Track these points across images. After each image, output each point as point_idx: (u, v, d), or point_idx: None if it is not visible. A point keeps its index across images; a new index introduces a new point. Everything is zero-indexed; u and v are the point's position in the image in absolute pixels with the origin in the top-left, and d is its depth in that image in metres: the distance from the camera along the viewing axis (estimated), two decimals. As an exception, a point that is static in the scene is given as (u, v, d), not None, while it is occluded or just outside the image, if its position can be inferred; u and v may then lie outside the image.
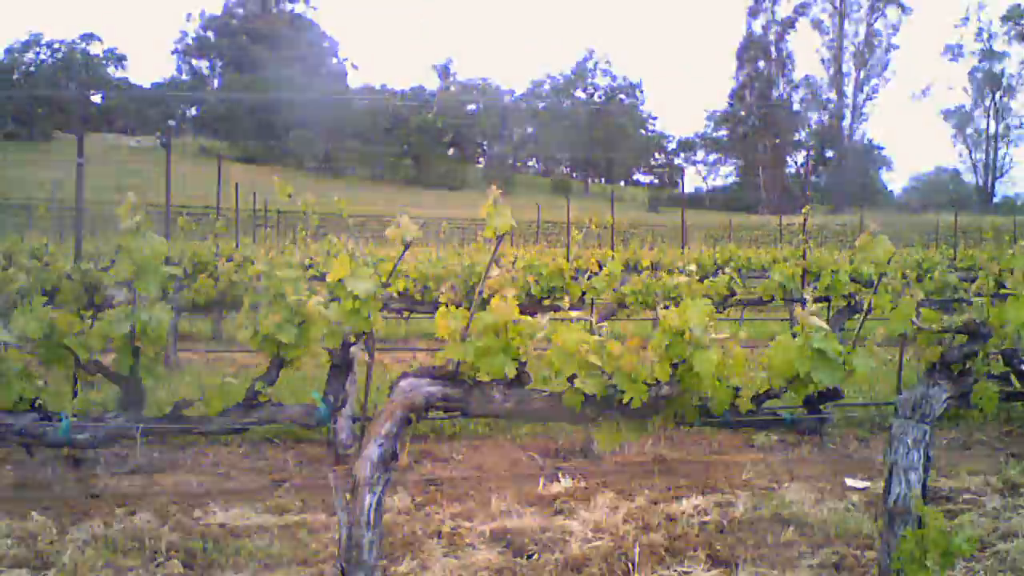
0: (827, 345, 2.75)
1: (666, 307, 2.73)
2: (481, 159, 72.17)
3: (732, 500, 4.52)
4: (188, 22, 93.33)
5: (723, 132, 77.05)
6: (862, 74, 72.18)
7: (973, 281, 7.69)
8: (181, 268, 7.26)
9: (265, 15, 75.27)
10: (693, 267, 5.36)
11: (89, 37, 67.95)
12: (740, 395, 2.81)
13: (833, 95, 73.43)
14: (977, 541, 2.68)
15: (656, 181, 74.56)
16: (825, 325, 2.81)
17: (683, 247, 12.68)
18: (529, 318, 2.81)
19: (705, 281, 7.37)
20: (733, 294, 7.73)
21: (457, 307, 2.84)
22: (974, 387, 3.07)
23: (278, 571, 3.58)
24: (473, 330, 2.79)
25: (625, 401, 2.70)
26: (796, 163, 73.87)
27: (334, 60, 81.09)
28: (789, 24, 73.03)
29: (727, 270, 8.17)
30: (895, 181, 77.37)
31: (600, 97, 77.10)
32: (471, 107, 71.47)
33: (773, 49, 73.31)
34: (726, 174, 78.33)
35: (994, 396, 3.01)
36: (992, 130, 69.61)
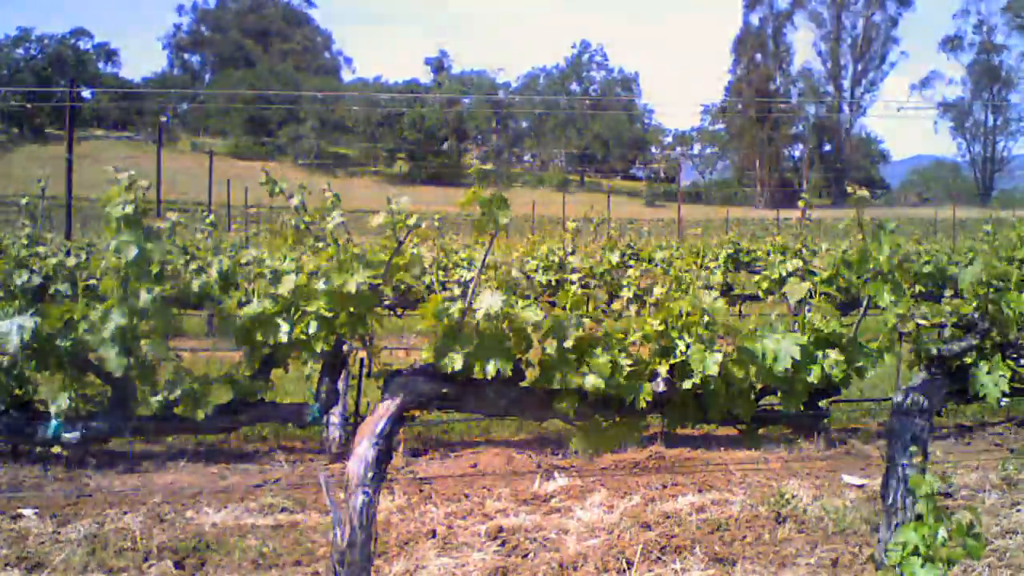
0: (829, 338, 2.71)
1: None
2: (475, 152, 72.01)
3: (729, 497, 4.49)
4: (180, 16, 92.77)
5: (720, 126, 77.02)
6: (860, 67, 72.18)
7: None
8: (173, 265, 7.20)
9: (258, 9, 74.92)
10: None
11: (80, 32, 67.61)
12: (740, 393, 2.77)
13: (831, 88, 73.45)
14: (984, 541, 2.64)
15: (653, 176, 74.47)
16: (832, 313, 2.77)
17: (679, 241, 12.65)
18: (526, 312, 2.76)
19: (702, 275, 7.33)
20: (730, 289, 7.69)
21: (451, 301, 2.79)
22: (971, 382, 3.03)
23: (271, 571, 3.54)
24: (467, 326, 2.75)
25: (628, 402, 2.66)
26: (794, 157, 73.94)
27: (327, 54, 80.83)
28: (786, 17, 72.94)
29: (723, 263, 8.13)
30: (893, 175, 77.24)
31: (595, 91, 76.96)
32: (465, 101, 71.29)
33: (770, 42, 73.22)
34: (723, 168, 78.29)
35: (994, 391, 2.98)
36: (991, 123, 69.73)
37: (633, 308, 2.77)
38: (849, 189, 2.74)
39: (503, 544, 3.83)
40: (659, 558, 3.67)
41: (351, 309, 2.94)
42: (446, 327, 2.77)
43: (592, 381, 2.68)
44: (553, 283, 6.78)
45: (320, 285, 2.95)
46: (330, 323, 2.98)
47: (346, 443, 5.04)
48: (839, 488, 4.65)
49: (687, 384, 2.72)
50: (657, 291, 2.73)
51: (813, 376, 2.77)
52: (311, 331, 3.01)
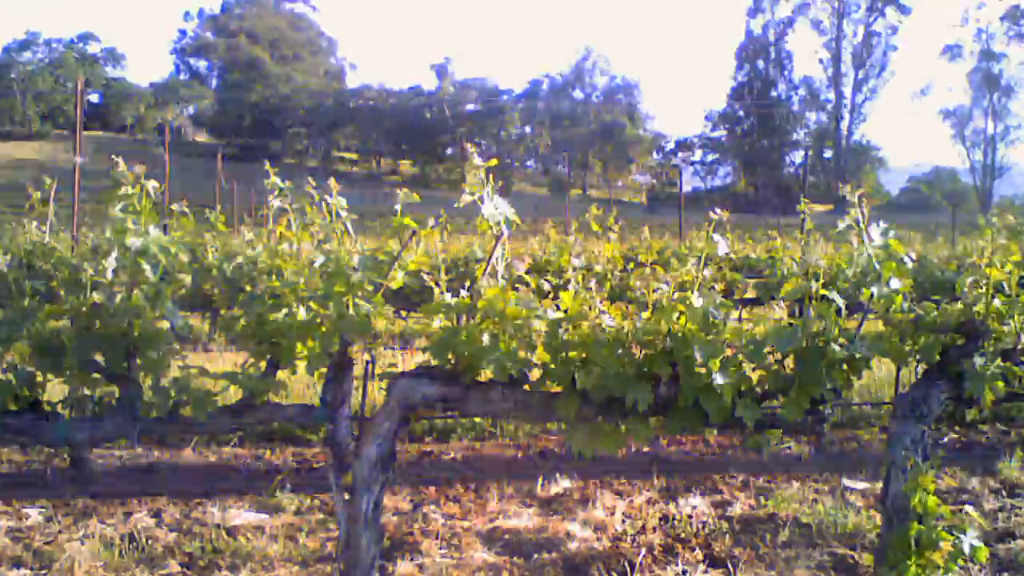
0: (829, 340, 2.73)
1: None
2: (475, 152, 71.79)
3: (730, 500, 4.52)
4: (187, 21, 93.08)
5: (722, 132, 77.12)
6: (860, 74, 72.25)
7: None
8: (180, 264, 7.21)
9: (264, 14, 75.15)
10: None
11: (87, 37, 67.87)
12: (742, 396, 2.79)
13: (831, 95, 73.52)
14: (988, 551, 2.67)
15: (655, 181, 74.48)
16: (832, 315, 2.79)
17: (680, 244, 12.63)
18: (528, 310, 2.79)
19: (703, 278, 7.31)
20: (731, 292, 7.70)
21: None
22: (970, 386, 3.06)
23: (276, 571, 3.57)
24: (471, 324, 2.78)
25: (630, 405, 2.69)
26: (794, 163, 73.92)
27: (332, 59, 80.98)
28: (788, 24, 73.04)
29: (724, 265, 8.13)
30: (892, 181, 77.18)
31: (598, 97, 77.09)
32: (469, 107, 71.39)
33: (772, 49, 73.31)
34: (724, 174, 78.33)
35: (988, 395, 3.00)
36: (991, 131, 69.76)
37: (633, 309, 2.80)
38: (847, 190, 2.76)
39: (505, 545, 3.85)
40: (660, 560, 3.70)
41: (357, 310, 2.97)
42: (448, 328, 2.81)
43: (593, 383, 2.71)
44: (555, 285, 6.81)
45: (326, 286, 2.98)
46: (336, 324, 3.01)
47: (352, 444, 5.07)
48: (839, 491, 4.67)
49: (689, 387, 2.75)
50: (659, 294, 2.76)
51: (814, 379, 2.80)
52: (317, 332, 3.04)
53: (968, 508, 4.21)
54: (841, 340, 2.77)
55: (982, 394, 2.88)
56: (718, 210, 2.93)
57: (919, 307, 3.04)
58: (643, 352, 2.73)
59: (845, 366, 2.78)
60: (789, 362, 2.84)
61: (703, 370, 2.68)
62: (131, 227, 3.07)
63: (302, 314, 2.98)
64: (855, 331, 2.85)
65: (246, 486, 4.72)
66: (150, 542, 3.81)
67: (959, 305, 3.06)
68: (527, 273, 2.98)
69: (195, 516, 4.18)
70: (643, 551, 3.74)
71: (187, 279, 6.83)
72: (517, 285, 2.91)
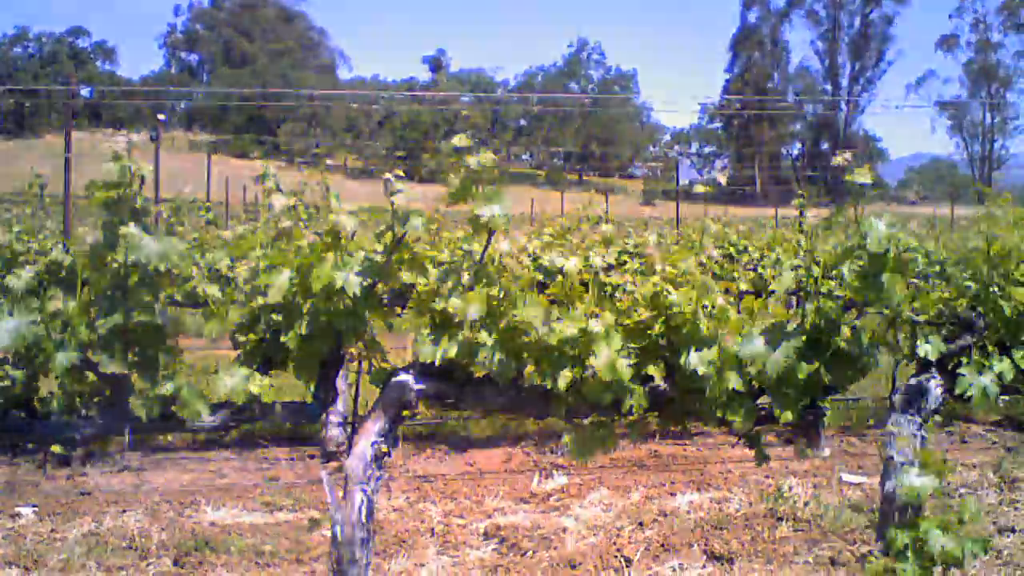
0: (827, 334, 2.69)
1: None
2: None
3: (727, 496, 4.50)
4: (176, 16, 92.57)
5: (718, 124, 77.12)
6: (857, 65, 72.22)
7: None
8: (173, 262, 7.15)
9: (254, 7, 74.78)
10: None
11: (77, 31, 67.51)
12: (736, 396, 2.75)
13: (828, 87, 73.50)
14: (987, 544, 2.64)
15: (650, 174, 74.49)
16: (831, 309, 2.75)
17: (677, 236, 12.60)
18: (527, 309, 2.75)
19: (698, 271, 7.26)
20: (727, 290, 7.66)
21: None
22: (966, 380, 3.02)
23: (270, 569, 3.54)
24: (463, 323, 2.73)
25: (624, 410, 2.65)
26: (791, 155, 74.01)
27: (324, 52, 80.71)
28: (784, 15, 72.95)
29: (719, 256, 8.10)
30: (890, 173, 77.25)
31: (593, 89, 76.95)
32: (463, 99, 71.20)
33: (768, 40, 73.22)
34: (721, 167, 78.29)
35: (984, 391, 2.97)
36: (988, 121, 69.87)
37: (627, 302, 2.76)
38: (839, 159, 2.68)
39: (502, 542, 3.83)
40: (657, 556, 3.68)
41: (349, 307, 2.93)
42: (435, 324, 2.76)
43: (589, 381, 2.67)
44: (548, 280, 6.78)
45: (317, 283, 2.94)
46: (328, 322, 2.97)
47: (345, 442, 5.04)
48: (837, 486, 4.66)
49: (683, 385, 2.71)
50: (650, 286, 2.72)
51: (812, 376, 2.76)
52: (308, 331, 2.99)
53: (967, 502, 4.20)
54: (842, 335, 2.73)
55: (976, 391, 2.85)
56: (701, 188, 2.89)
57: (917, 300, 3.01)
58: (636, 350, 2.69)
59: (845, 364, 2.74)
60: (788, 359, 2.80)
61: (697, 368, 2.64)
62: (122, 220, 3.01)
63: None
64: (852, 323, 2.81)
65: (238, 484, 4.69)
66: (143, 540, 3.78)
67: (957, 296, 3.03)
68: (519, 267, 2.92)
69: (187, 514, 4.15)
70: (640, 547, 3.72)
71: (179, 277, 6.79)
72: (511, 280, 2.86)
